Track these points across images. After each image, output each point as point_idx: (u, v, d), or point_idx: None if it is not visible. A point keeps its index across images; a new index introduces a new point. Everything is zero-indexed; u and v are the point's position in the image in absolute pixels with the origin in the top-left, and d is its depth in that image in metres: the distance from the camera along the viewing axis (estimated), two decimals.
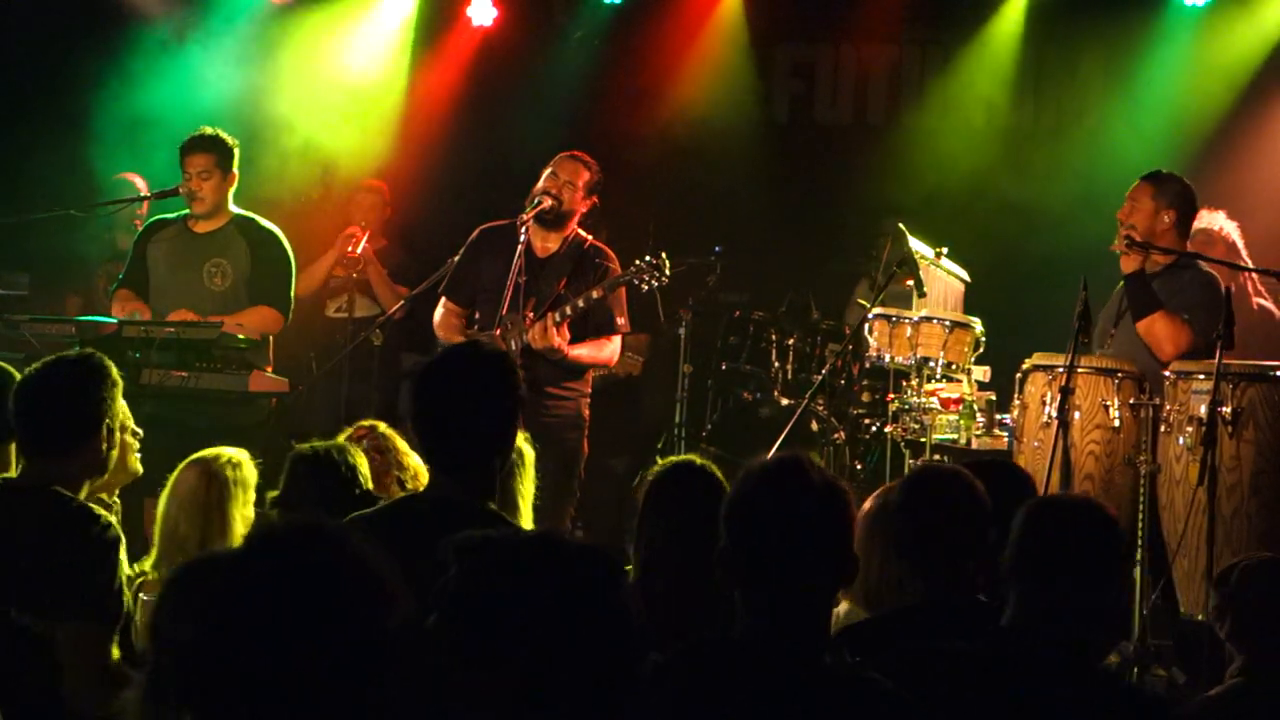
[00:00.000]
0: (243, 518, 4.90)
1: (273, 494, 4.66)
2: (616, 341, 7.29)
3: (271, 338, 7.50)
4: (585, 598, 2.22)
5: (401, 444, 5.31)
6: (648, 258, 7.14)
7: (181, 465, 4.98)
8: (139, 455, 4.86)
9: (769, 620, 2.94)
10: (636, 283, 7.14)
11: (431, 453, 3.78)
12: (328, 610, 2.01)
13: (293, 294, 7.60)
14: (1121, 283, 7.24)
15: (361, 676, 2.01)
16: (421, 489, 5.18)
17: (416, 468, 5.26)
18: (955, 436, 7.82)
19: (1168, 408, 6.72)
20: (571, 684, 2.19)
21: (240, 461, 4.98)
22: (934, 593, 3.85)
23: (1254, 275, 8.02)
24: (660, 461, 4.67)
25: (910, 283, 8.05)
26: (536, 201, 7.12)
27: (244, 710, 1.98)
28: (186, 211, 7.57)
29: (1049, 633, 3.30)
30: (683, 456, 4.82)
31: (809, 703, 2.89)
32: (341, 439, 5.31)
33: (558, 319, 6.96)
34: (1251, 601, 4.31)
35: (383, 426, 5.34)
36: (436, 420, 3.73)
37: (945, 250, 8.30)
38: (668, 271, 7.15)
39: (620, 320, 7.25)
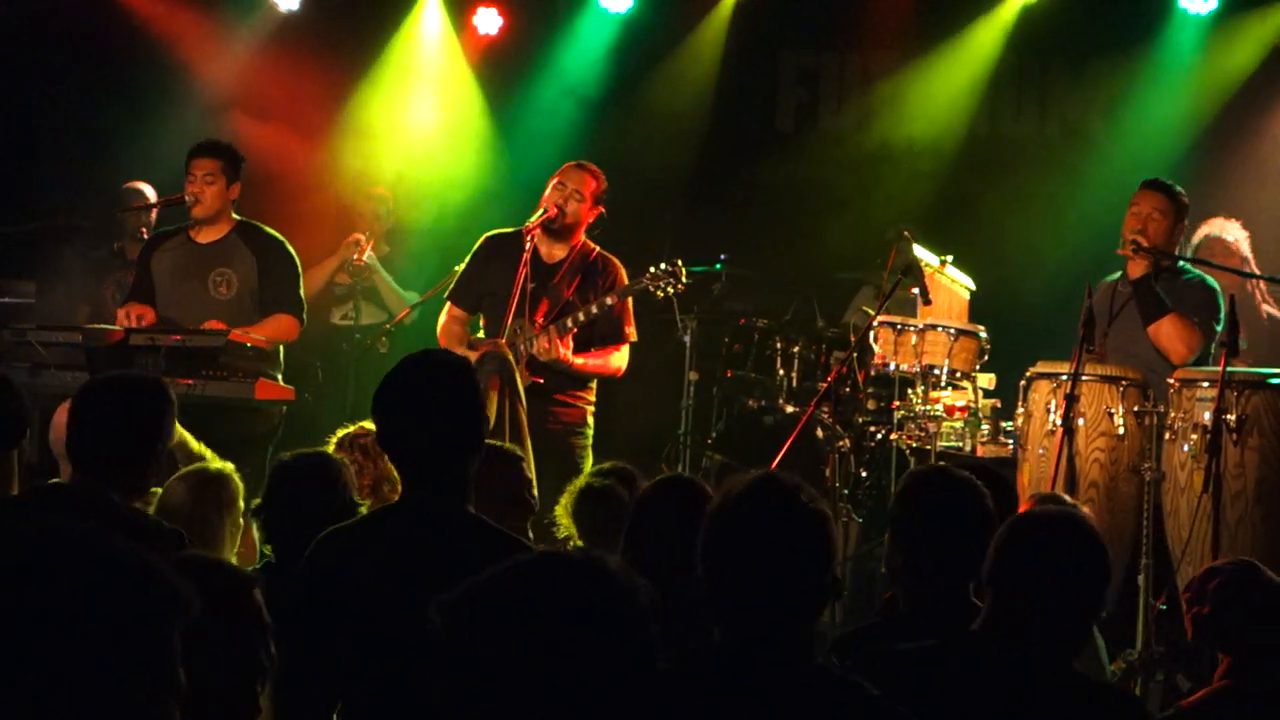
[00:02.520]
0: (231, 531, 4.89)
1: (255, 502, 4.65)
2: (625, 350, 7.30)
3: (282, 346, 7.50)
4: (588, 617, 2.15)
5: None
6: (663, 264, 7.17)
7: (170, 479, 4.96)
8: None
9: (744, 634, 2.91)
10: (652, 289, 7.17)
11: (400, 463, 3.76)
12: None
13: (304, 297, 7.62)
14: (1111, 278, 7.28)
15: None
16: None
17: None
18: (960, 444, 7.83)
19: (1172, 415, 6.74)
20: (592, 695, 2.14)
21: (229, 474, 4.97)
22: (921, 599, 3.89)
23: (1261, 284, 8.05)
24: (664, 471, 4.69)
25: (915, 290, 8.06)
26: (543, 211, 7.14)
27: None
28: (188, 222, 7.56)
29: (1021, 636, 3.32)
30: (673, 473, 4.80)
31: (792, 708, 2.87)
32: (339, 436, 5.32)
33: (559, 332, 6.97)
34: (1232, 605, 4.39)
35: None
36: (398, 432, 3.71)
37: (950, 258, 8.32)
38: (684, 279, 7.17)
39: (629, 329, 7.27)
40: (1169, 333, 6.98)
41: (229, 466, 5.05)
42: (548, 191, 7.21)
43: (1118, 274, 7.34)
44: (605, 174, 7.31)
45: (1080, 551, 3.40)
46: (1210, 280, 7.17)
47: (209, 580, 2.52)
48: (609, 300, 7.05)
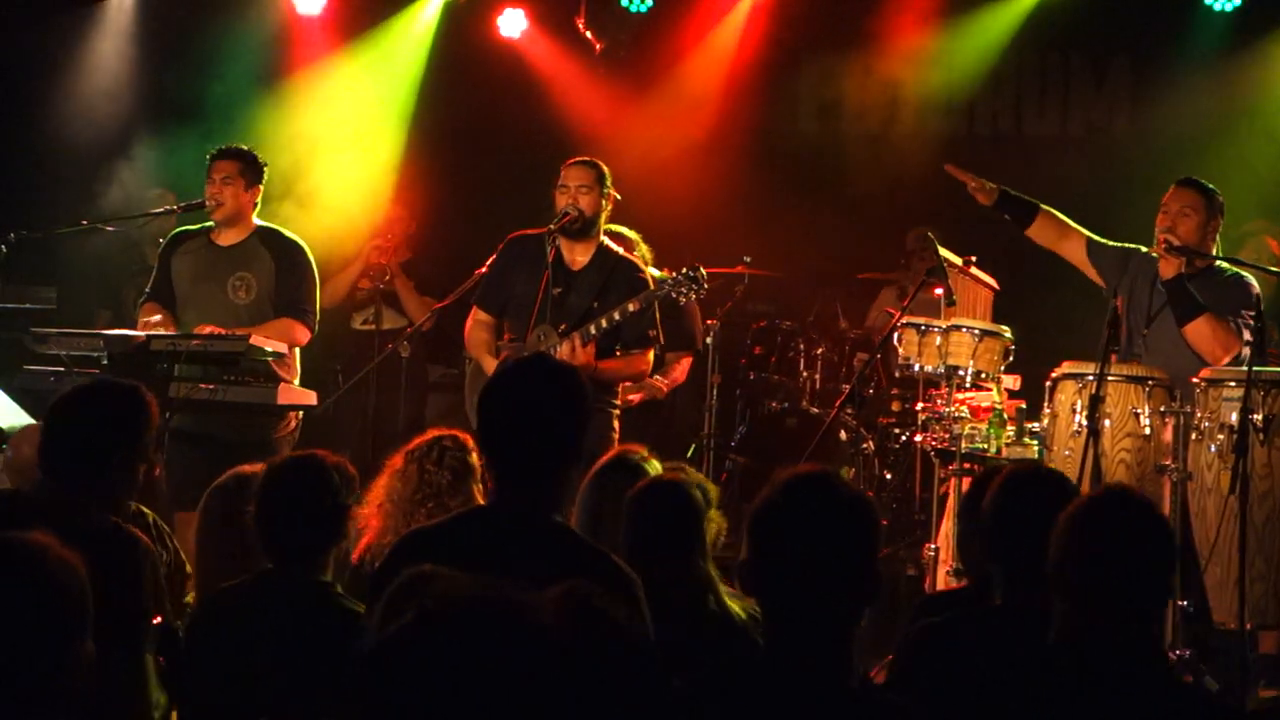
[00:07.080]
0: None
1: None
2: (650, 354, 7.27)
3: (297, 350, 7.47)
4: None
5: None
6: (685, 270, 7.11)
7: (205, 493, 4.93)
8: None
9: (791, 637, 2.90)
10: (674, 296, 7.12)
11: (497, 465, 3.69)
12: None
13: (318, 306, 7.57)
14: (1146, 259, 7.17)
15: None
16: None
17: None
18: (985, 445, 7.78)
19: (1198, 415, 6.68)
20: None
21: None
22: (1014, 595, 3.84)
23: None
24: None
25: (939, 291, 8.01)
26: (561, 215, 7.10)
27: None
28: (210, 224, 7.55)
29: (1101, 644, 3.15)
30: (662, 473, 4.74)
31: None
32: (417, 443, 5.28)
33: (582, 341, 6.92)
34: None
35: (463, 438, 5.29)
36: (503, 432, 3.65)
37: (974, 258, 8.27)
38: (705, 284, 7.11)
39: (653, 333, 7.22)
40: (1205, 333, 6.87)
41: (260, 468, 5.01)
42: (556, 196, 7.18)
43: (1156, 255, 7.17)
44: (623, 175, 7.27)
45: (1142, 528, 3.23)
46: (1250, 278, 7.06)
47: None
48: (630, 306, 7.00)
